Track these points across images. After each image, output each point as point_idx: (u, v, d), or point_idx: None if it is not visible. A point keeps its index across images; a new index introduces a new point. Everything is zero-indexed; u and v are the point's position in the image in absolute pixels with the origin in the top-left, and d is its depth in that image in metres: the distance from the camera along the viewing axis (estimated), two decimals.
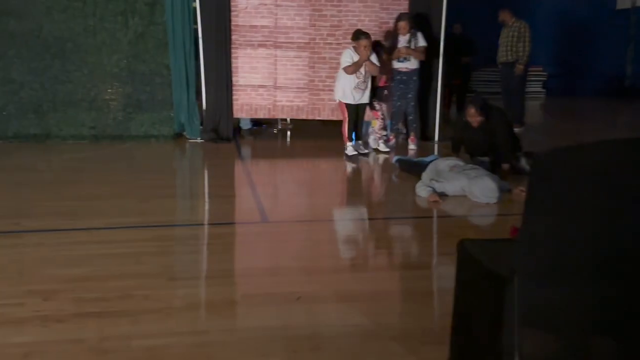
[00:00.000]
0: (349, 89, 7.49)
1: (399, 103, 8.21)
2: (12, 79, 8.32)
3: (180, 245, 4.57)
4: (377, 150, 8.08)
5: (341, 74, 7.48)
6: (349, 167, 7.54)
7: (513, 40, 9.66)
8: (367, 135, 8.30)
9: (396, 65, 8.08)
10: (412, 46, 7.97)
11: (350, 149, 7.67)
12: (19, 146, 8.16)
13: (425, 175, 6.02)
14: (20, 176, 6.55)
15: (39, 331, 2.99)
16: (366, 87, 7.59)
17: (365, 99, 7.69)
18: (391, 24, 8.48)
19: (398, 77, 8.09)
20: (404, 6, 8.47)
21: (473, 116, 6.30)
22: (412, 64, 8.05)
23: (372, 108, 8.09)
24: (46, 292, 3.44)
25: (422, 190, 5.77)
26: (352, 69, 7.34)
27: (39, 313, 3.17)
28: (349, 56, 7.39)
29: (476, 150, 6.53)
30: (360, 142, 7.83)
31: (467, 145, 6.65)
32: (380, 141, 8.13)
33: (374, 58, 7.45)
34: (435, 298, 3.61)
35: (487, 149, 6.41)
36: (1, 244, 4.32)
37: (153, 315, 3.17)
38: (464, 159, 6.39)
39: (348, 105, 7.60)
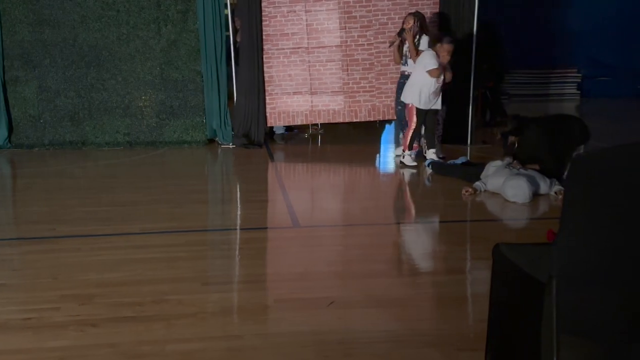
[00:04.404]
0: (426, 93, 7.14)
1: (399, 107, 7.87)
2: (48, 87, 8.48)
3: (213, 250, 4.60)
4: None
5: (419, 77, 7.14)
6: (382, 171, 7.51)
7: None
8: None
9: (402, 67, 7.81)
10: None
11: (408, 159, 7.29)
12: (55, 153, 8.32)
13: (482, 174, 6.10)
14: (56, 182, 6.67)
15: (74, 336, 3.03)
16: (440, 92, 7.29)
17: (438, 104, 7.33)
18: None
19: (401, 80, 7.80)
20: (433, 0, 8.41)
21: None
22: (410, 68, 7.61)
23: None
24: (82, 296, 3.49)
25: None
26: (439, 72, 7.05)
27: (74, 318, 3.22)
28: (434, 58, 7.07)
29: (528, 161, 6.21)
30: (413, 151, 7.45)
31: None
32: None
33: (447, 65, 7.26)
34: (470, 303, 3.56)
35: (535, 161, 6.12)
36: (38, 249, 4.40)
37: (187, 320, 3.19)
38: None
39: (419, 111, 7.23)
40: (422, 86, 7.12)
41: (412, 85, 7.25)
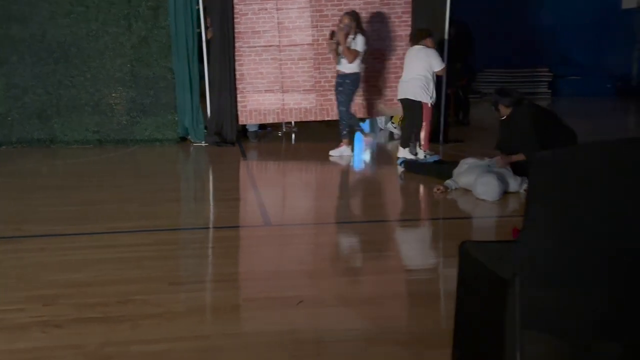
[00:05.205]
0: (433, 90, 7.35)
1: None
2: (16, 84, 8.33)
3: (183, 249, 4.54)
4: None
5: (430, 75, 7.23)
6: (355, 170, 7.51)
7: None
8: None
9: (337, 67, 7.75)
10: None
11: (431, 157, 7.28)
12: (23, 151, 8.17)
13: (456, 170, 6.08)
14: (23, 181, 6.55)
15: (38, 337, 2.96)
16: None
17: None
18: (392, 20, 8.42)
19: (338, 80, 7.78)
20: (405, 0, 8.43)
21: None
22: (343, 67, 7.62)
23: None
24: (47, 297, 3.42)
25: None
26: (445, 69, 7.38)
27: (38, 319, 3.15)
28: (439, 56, 7.29)
29: (503, 145, 6.19)
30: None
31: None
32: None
33: None
34: (440, 301, 3.57)
35: (512, 144, 6.03)
36: (2, 249, 4.31)
37: (154, 320, 3.14)
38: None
39: (432, 107, 7.47)
40: (432, 83, 7.29)
41: (426, 84, 7.26)
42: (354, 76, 7.57)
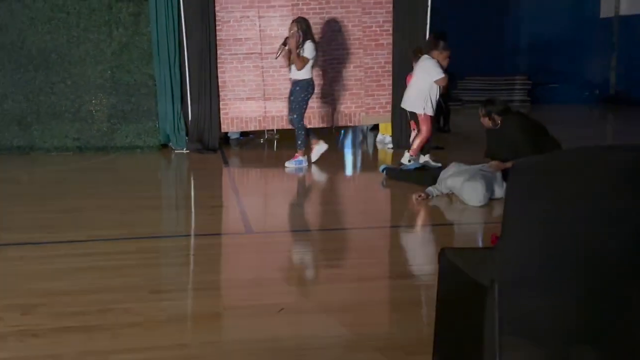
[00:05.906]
0: (433, 100, 7.24)
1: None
2: None
3: (164, 257, 4.52)
4: None
5: (427, 86, 7.15)
6: (337, 177, 7.51)
7: None
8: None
9: (290, 75, 7.62)
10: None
11: (414, 164, 7.20)
12: (1, 159, 8.07)
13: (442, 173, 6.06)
14: (1, 189, 6.47)
15: (15, 347, 2.93)
16: None
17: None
18: (374, 28, 8.45)
19: (290, 88, 7.69)
20: (386, 9, 8.46)
21: (480, 117, 6.28)
22: (293, 74, 7.48)
23: None
24: (25, 306, 3.38)
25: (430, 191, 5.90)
26: (446, 79, 7.21)
27: (16, 328, 3.11)
28: (438, 66, 7.12)
29: (492, 154, 6.21)
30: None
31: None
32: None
33: None
34: (420, 307, 3.58)
35: (503, 152, 5.98)
36: None
37: (133, 329, 3.11)
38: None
39: (432, 118, 7.38)
40: (430, 94, 7.20)
41: (419, 94, 7.22)
42: (303, 82, 7.42)
